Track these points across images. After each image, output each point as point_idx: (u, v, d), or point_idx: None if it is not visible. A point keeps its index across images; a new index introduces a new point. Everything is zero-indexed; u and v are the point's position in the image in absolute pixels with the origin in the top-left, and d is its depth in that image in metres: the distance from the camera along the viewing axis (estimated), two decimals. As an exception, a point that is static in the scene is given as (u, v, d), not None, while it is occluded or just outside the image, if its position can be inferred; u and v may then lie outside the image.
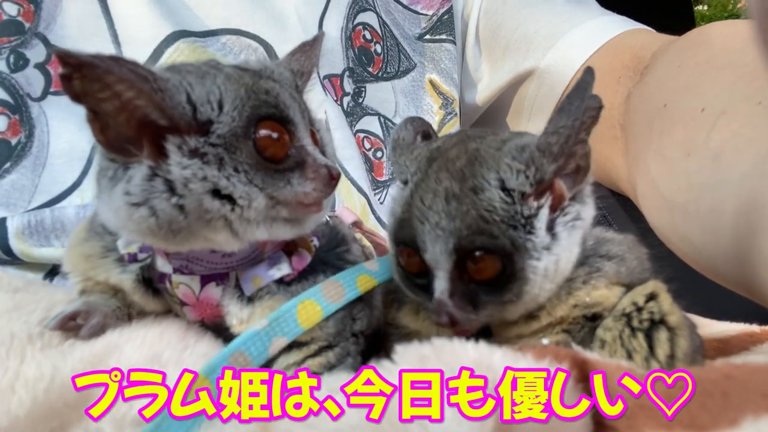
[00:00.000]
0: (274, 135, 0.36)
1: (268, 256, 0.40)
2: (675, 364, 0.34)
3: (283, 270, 0.40)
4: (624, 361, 0.34)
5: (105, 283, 0.41)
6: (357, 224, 0.54)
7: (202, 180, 0.34)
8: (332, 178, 0.37)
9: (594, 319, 0.38)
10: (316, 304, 0.38)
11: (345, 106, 0.81)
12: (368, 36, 0.86)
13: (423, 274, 0.37)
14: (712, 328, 0.51)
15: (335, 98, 0.79)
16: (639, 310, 0.36)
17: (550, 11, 0.87)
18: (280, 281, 0.40)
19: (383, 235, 0.54)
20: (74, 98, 0.32)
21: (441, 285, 0.36)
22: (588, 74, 0.36)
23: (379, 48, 0.87)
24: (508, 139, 0.38)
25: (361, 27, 0.85)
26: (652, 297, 0.36)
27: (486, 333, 0.40)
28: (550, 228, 0.36)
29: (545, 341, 0.37)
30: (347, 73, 0.82)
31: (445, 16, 0.92)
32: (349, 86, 0.82)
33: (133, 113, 0.33)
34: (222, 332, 0.40)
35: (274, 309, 0.38)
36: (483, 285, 0.36)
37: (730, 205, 0.45)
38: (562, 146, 0.35)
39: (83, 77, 0.31)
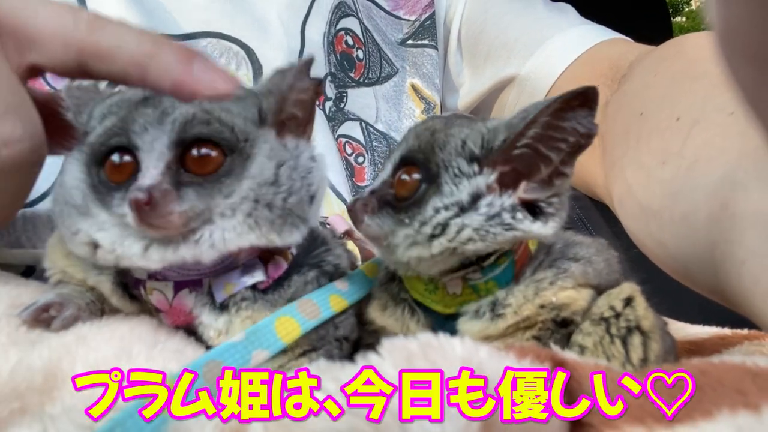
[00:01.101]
0: (116, 161, 0.37)
1: (243, 263, 0.40)
2: (648, 366, 0.35)
3: (256, 277, 0.39)
4: (601, 361, 0.35)
5: (83, 282, 0.40)
6: (348, 233, 0.53)
7: (74, 178, 0.37)
8: (136, 205, 0.34)
9: (564, 324, 0.38)
10: (294, 320, 0.38)
11: (327, 110, 0.80)
12: (350, 41, 0.86)
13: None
14: (685, 331, 0.52)
15: (317, 103, 0.79)
16: (617, 316, 0.36)
17: (530, 19, 0.88)
18: (254, 288, 0.39)
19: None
20: None
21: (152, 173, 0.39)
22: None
23: (361, 54, 0.87)
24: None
25: (343, 32, 0.85)
26: (628, 302, 0.37)
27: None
28: (476, 198, 0.37)
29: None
30: (329, 78, 0.82)
31: (428, 22, 0.93)
32: (330, 91, 0.82)
33: None
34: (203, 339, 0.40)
35: (254, 319, 0.38)
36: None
37: (703, 213, 0.45)
38: (519, 134, 0.36)
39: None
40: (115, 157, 0.37)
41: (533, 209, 0.38)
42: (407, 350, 0.28)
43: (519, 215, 0.37)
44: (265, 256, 0.41)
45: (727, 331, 0.50)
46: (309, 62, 0.40)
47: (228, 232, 0.37)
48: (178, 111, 0.37)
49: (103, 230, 0.36)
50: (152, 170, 0.35)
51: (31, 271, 0.56)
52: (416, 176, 0.39)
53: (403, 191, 0.39)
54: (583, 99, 0.36)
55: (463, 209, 0.37)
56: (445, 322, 0.40)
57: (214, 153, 0.37)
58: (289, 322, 0.38)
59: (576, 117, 0.36)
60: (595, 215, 1.15)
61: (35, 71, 0.43)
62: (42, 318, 0.37)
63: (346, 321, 0.42)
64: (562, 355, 0.31)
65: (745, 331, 0.48)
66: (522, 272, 0.39)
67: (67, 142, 0.47)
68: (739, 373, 0.26)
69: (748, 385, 0.25)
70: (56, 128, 0.42)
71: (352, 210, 0.41)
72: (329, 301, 0.40)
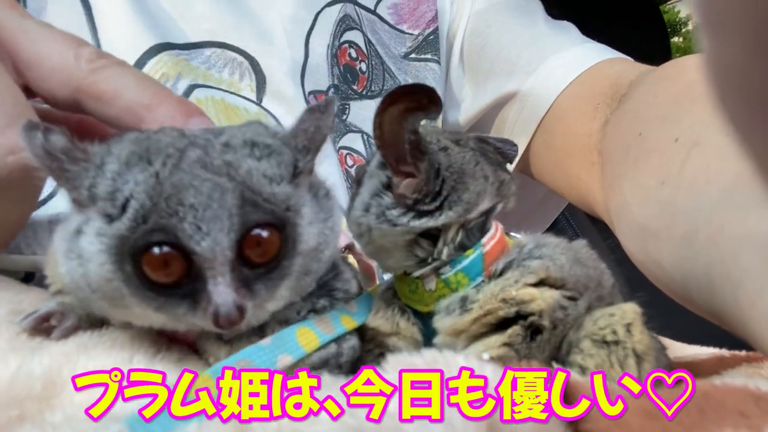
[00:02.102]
0: (164, 262, 0.31)
1: None
2: None
3: None
4: None
5: None
6: (350, 247, 0.53)
7: (101, 265, 0.32)
8: (217, 324, 0.32)
9: (535, 332, 0.38)
10: (312, 332, 0.38)
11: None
12: (354, 54, 0.87)
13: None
14: (683, 351, 0.52)
15: None
16: (617, 342, 0.36)
17: (533, 36, 0.89)
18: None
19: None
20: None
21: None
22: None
23: (364, 66, 0.87)
24: None
25: (347, 45, 0.86)
26: (628, 327, 0.37)
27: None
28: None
29: (486, 356, 0.37)
30: (332, 90, 0.82)
31: (431, 37, 0.94)
32: None
33: None
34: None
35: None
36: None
37: (701, 234, 0.45)
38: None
39: None
40: (158, 255, 0.31)
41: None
42: (412, 365, 0.28)
43: (395, 212, 0.40)
44: None
45: (725, 352, 0.49)
46: (333, 101, 0.39)
47: (272, 306, 0.36)
48: (229, 199, 0.32)
49: (148, 319, 0.34)
50: (221, 278, 0.32)
51: (30, 278, 0.56)
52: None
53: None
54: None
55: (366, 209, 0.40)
56: (428, 321, 0.41)
57: (272, 238, 0.33)
58: (309, 333, 0.38)
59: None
60: (581, 216, 1.16)
61: (29, 92, 0.43)
62: (42, 327, 0.37)
63: (347, 344, 0.41)
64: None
65: (744, 353, 0.48)
66: (493, 267, 0.40)
67: None
68: (742, 395, 0.26)
69: (751, 407, 0.25)
70: None
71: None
72: (341, 320, 0.41)
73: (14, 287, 0.43)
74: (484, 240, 0.40)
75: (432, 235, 0.40)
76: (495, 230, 0.41)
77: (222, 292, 0.32)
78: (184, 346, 0.39)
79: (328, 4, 0.85)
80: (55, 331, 0.37)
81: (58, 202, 0.59)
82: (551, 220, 1.08)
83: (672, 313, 0.49)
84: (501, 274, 0.39)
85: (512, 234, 0.44)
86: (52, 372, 0.32)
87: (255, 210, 0.32)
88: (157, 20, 0.71)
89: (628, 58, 0.84)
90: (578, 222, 1.20)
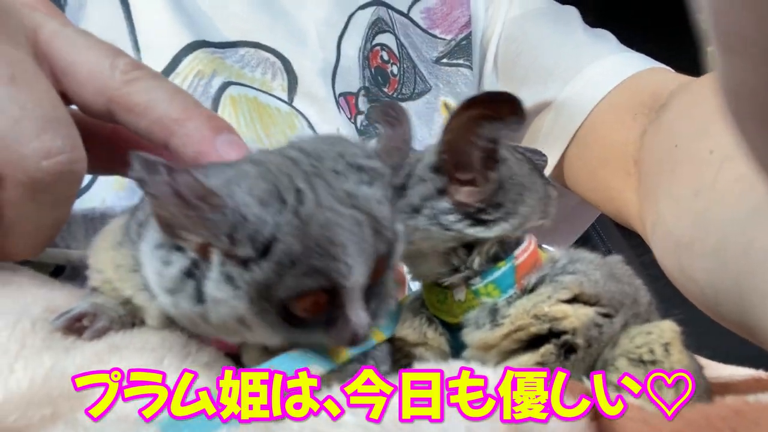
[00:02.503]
0: (314, 302, 0.32)
1: None
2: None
3: None
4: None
5: (120, 296, 0.39)
6: None
7: (232, 308, 0.31)
8: (353, 344, 0.33)
9: (569, 351, 0.37)
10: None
11: (359, 124, 0.81)
12: (385, 57, 0.87)
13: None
14: (720, 372, 0.50)
15: (349, 116, 0.79)
16: (654, 362, 0.35)
17: (570, 44, 0.87)
18: None
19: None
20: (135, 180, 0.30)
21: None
22: None
23: (395, 69, 0.87)
24: None
25: (378, 48, 0.86)
26: (667, 347, 0.36)
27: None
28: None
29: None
30: (363, 92, 0.82)
31: (464, 42, 0.93)
32: (363, 105, 0.82)
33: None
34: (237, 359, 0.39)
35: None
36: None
37: (732, 246, 0.45)
38: None
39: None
40: (311, 297, 0.31)
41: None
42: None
43: (451, 218, 0.39)
44: None
45: (762, 373, 0.48)
46: (405, 112, 0.39)
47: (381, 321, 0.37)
48: (366, 231, 0.32)
49: (268, 341, 0.34)
50: (358, 304, 0.32)
51: (60, 270, 0.57)
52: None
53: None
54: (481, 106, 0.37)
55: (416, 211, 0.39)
56: (457, 333, 0.41)
57: (385, 260, 0.34)
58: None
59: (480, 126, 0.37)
60: (613, 232, 1.15)
61: (66, 99, 0.44)
62: (75, 327, 0.37)
63: (380, 352, 0.40)
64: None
65: (782, 374, 0.46)
66: (525, 281, 0.39)
67: (108, 164, 0.48)
68: (776, 414, 0.26)
69: (786, 426, 0.24)
70: (95, 148, 0.42)
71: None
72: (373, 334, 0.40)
73: (48, 284, 0.43)
74: (517, 252, 0.40)
75: (469, 244, 0.40)
76: (528, 243, 0.41)
77: (361, 316, 0.32)
78: (214, 348, 0.39)
79: (361, 7, 0.86)
80: (86, 332, 0.37)
81: (92, 196, 0.60)
82: (581, 231, 1.06)
83: (708, 332, 0.48)
84: (533, 289, 0.39)
85: (545, 247, 0.43)
86: (84, 371, 0.32)
87: (381, 239, 0.33)
88: (194, 18, 0.72)
89: (669, 68, 0.82)
90: (610, 237, 1.19)
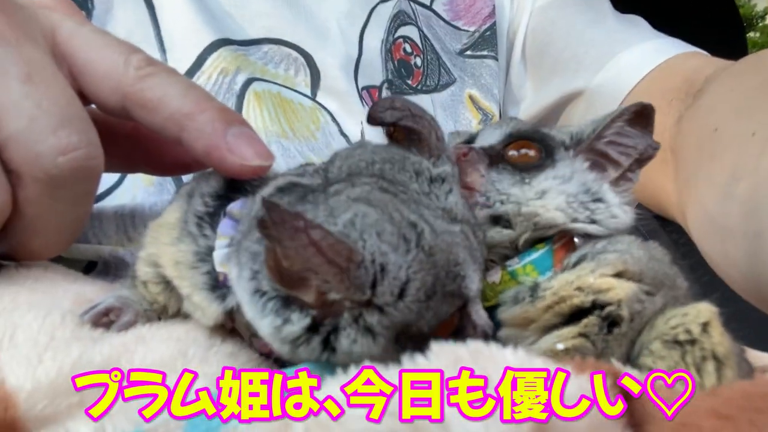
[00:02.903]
0: (450, 323, 0.32)
1: None
2: None
3: None
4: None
5: (158, 294, 0.39)
6: None
7: (368, 353, 0.30)
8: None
9: (612, 324, 0.36)
10: None
11: None
12: (408, 49, 0.86)
13: None
14: (763, 360, 0.48)
15: None
16: (692, 342, 0.34)
17: (601, 32, 0.85)
18: None
19: None
20: (266, 237, 0.29)
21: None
22: None
23: (419, 61, 0.87)
24: None
25: (401, 40, 0.86)
26: (705, 326, 0.35)
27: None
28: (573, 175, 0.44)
29: (560, 346, 0.36)
30: (386, 85, 0.82)
31: (488, 33, 0.93)
32: None
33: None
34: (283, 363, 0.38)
35: None
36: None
37: None
38: None
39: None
40: (452, 319, 0.32)
41: None
42: (456, 355, 0.27)
43: (605, 187, 0.42)
44: None
45: None
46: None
47: None
48: (473, 240, 0.33)
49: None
50: (478, 307, 0.34)
51: (92, 266, 0.58)
52: (535, 151, 0.43)
53: (525, 160, 0.43)
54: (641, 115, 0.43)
55: (564, 181, 0.41)
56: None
57: None
58: None
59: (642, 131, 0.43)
60: (651, 221, 1.13)
61: (84, 98, 0.44)
62: (102, 322, 0.37)
63: None
64: (619, 368, 0.29)
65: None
66: (566, 261, 0.39)
67: (130, 162, 0.48)
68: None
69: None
70: (116, 146, 0.43)
71: (466, 156, 0.42)
72: None
73: (80, 280, 0.44)
74: (555, 236, 0.40)
75: (507, 221, 0.40)
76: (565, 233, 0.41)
77: (482, 315, 0.33)
78: (238, 339, 0.39)
79: (383, 1, 0.86)
80: (113, 326, 0.38)
81: (123, 192, 0.61)
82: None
83: (749, 320, 0.45)
84: (575, 266, 0.38)
85: None
86: (111, 361, 0.33)
87: (479, 238, 0.34)
88: (217, 17, 0.73)
89: (704, 52, 0.80)
90: (648, 227, 1.18)
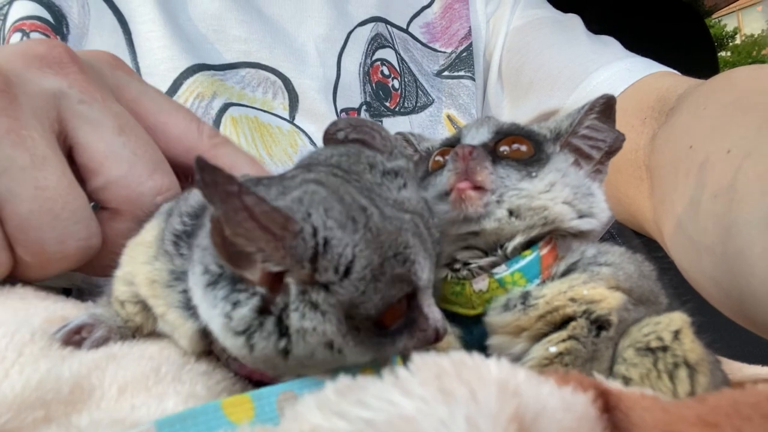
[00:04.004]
0: (396, 308, 0.32)
1: None
2: None
3: None
4: (647, 390, 0.32)
5: (135, 314, 0.39)
6: None
7: (321, 334, 0.30)
8: (436, 341, 0.34)
9: (600, 327, 0.37)
10: (370, 369, 0.37)
11: None
12: (386, 71, 0.88)
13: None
14: (743, 372, 0.48)
15: None
16: (664, 349, 0.34)
17: (575, 52, 0.87)
18: None
19: None
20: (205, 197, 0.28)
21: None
22: None
23: (396, 83, 0.88)
24: None
25: (379, 63, 0.87)
26: (677, 334, 0.35)
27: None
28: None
29: (552, 349, 0.36)
30: (364, 107, 0.83)
31: (464, 54, 0.94)
32: None
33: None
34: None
35: None
36: None
37: (758, 247, 0.44)
38: None
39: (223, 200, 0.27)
40: (399, 304, 0.32)
41: None
42: (438, 367, 0.26)
43: (590, 181, 0.44)
44: None
45: None
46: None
47: None
48: (422, 228, 0.33)
49: (359, 360, 0.33)
50: (430, 300, 0.34)
51: (67, 293, 0.57)
52: (527, 146, 0.43)
53: (518, 155, 0.43)
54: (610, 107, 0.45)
55: (565, 174, 0.42)
56: (473, 327, 0.40)
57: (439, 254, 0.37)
58: (367, 370, 0.37)
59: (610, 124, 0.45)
60: (629, 235, 1.13)
61: None
62: (74, 340, 0.37)
63: None
64: (607, 385, 0.29)
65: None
66: (554, 269, 0.40)
67: None
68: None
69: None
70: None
71: (470, 155, 0.41)
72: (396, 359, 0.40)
73: (51, 297, 0.44)
74: (541, 243, 0.40)
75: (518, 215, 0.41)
76: (549, 237, 0.42)
77: (435, 311, 0.34)
78: (213, 358, 0.39)
79: (360, 24, 0.87)
80: (85, 343, 0.37)
81: None
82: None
83: (729, 334, 0.47)
84: (564, 275, 0.39)
85: None
86: (80, 377, 0.33)
87: (432, 233, 0.34)
88: (194, 42, 0.74)
89: (675, 71, 0.82)
90: (626, 241, 1.17)
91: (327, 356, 0.31)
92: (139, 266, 0.38)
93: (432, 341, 0.33)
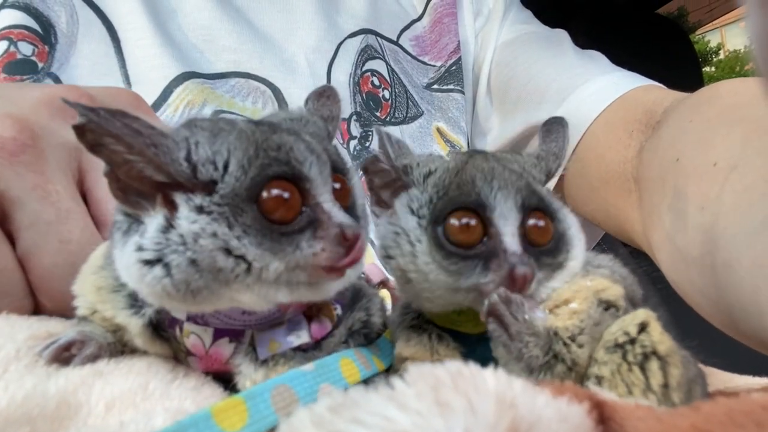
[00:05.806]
0: (285, 195, 0.33)
1: (288, 318, 0.38)
2: (670, 393, 0.33)
3: (302, 338, 0.37)
4: (641, 400, 0.32)
5: (110, 320, 0.39)
6: (384, 282, 0.52)
7: (212, 236, 0.31)
8: (345, 239, 0.33)
9: (607, 307, 0.37)
10: (354, 365, 0.37)
11: (351, 149, 0.82)
12: (376, 82, 0.88)
13: (476, 244, 0.37)
14: (733, 381, 0.48)
15: (342, 141, 0.81)
16: (632, 342, 0.34)
17: (562, 65, 0.88)
18: (296, 348, 0.37)
19: None
20: (90, 150, 0.31)
21: (514, 240, 0.37)
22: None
23: (387, 94, 0.89)
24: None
25: (369, 73, 0.88)
26: (642, 327, 0.35)
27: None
28: None
29: (574, 305, 0.37)
30: (354, 117, 0.83)
31: (453, 67, 0.95)
32: (356, 130, 0.83)
33: (132, 168, 0.32)
34: (227, 383, 0.38)
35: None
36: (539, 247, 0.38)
37: (746, 258, 0.44)
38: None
39: (92, 130, 0.30)
40: (276, 182, 0.33)
41: None
42: (435, 378, 0.26)
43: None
44: (310, 313, 0.39)
45: None
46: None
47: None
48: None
49: (262, 263, 0.33)
50: (330, 201, 0.35)
51: None
52: (547, 221, 0.39)
53: (544, 238, 0.38)
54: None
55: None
56: (476, 344, 0.39)
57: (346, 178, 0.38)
58: (351, 365, 0.37)
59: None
60: (619, 248, 1.13)
61: None
62: (63, 357, 0.36)
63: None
64: (602, 395, 0.28)
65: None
66: None
67: None
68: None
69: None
70: None
71: (525, 277, 0.36)
72: (374, 360, 0.40)
73: (34, 316, 0.43)
74: None
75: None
76: None
77: (338, 210, 0.34)
78: (201, 374, 0.38)
79: (350, 35, 0.88)
80: (74, 360, 0.37)
81: None
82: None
83: (719, 345, 0.47)
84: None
85: None
86: (67, 393, 0.32)
87: (328, 151, 0.37)
88: (183, 51, 0.74)
89: (661, 85, 0.83)
90: (613, 249, 1.17)
91: (233, 266, 0.32)
92: (86, 277, 0.40)
93: (339, 240, 0.33)
